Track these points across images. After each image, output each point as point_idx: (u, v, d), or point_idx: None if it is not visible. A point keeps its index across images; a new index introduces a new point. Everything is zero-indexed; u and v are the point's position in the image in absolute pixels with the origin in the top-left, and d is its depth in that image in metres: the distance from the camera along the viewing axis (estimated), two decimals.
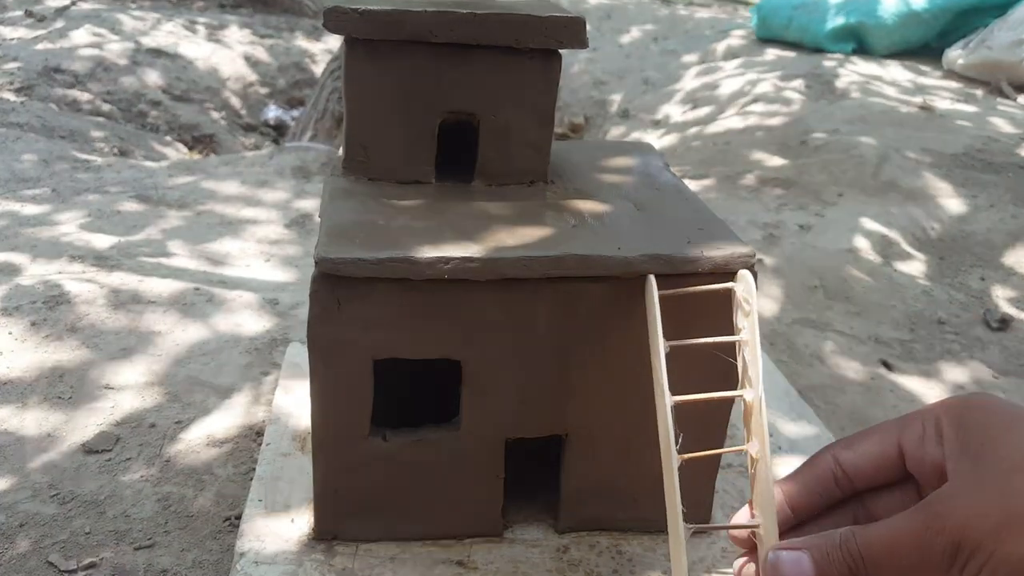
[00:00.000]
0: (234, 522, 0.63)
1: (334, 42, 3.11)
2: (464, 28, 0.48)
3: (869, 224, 1.37)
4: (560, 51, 0.51)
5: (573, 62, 2.96)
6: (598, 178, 0.55)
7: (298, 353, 0.76)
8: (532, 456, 0.54)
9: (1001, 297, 1.23)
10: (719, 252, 0.45)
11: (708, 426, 0.51)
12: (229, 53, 2.87)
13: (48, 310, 0.93)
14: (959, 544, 0.34)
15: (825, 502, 0.40)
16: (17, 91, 2.16)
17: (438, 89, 0.50)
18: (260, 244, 1.26)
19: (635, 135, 2.22)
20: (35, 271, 1.05)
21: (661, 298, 0.44)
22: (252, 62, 2.87)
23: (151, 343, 0.89)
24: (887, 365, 1.03)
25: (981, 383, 1.00)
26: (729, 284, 0.44)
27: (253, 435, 0.75)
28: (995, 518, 0.34)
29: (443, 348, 0.47)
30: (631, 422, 0.50)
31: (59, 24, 2.76)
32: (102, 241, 1.19)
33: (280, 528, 0.53)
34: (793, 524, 0.40)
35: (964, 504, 0.35)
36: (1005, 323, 1.14)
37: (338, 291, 0.44)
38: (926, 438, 0.38)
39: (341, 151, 0.56)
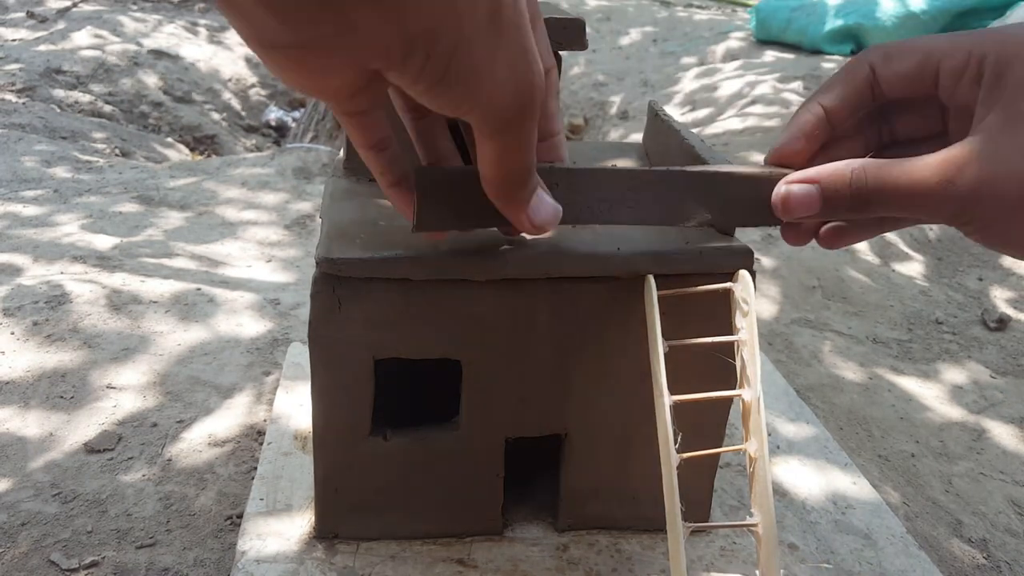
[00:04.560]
0: (235, 521, 0.64)
1: None
2: None
3: None
4: (560, 53, 0.51)
5: (573, 64, 2.97)
6: None
7: (299, 353, 0.76)
8: (532, 455, 0.54)
9: (999, 297, 1.23)
10: (718, 252, 0.46)
11: (707, 425, 0.51)
12: (230, 55, 2.88)
13: (50, 310, 0.93)
14: (963, 210, 0.35)
15: (860, 112, 0.41)
16: (19, 92, 2.17)
17: None
18: (261, 245, 1.27)
19: (634, 136, 2.23)
20: (37, 272, 1.06)
21: (660, 298, 0.44)
22: (253, 64, 2.87)
23: (153, 343, 0.90)
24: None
25: (979, 383, 1.01)
26: (728, 284, 0.45)
27: (254, 434, 0.75)
28: (1009, 199, 0.34)
29: (443, 348, 0.47)
30: (630, 421, 0.51)
31: (60, 25, 2.77)
32: (103, 242, 1.19)
33: (281, 527, 0.53)
34: (829, 139, 0.41)
35: (980, 173, 0.34)
36: (1003, 323, 1.15)
37: (339, 291, 0.44)
38: (966, 75, 0.37)
39: (342, 152, 0.56)
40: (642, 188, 0.43)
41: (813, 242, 0.46)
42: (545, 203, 0.36)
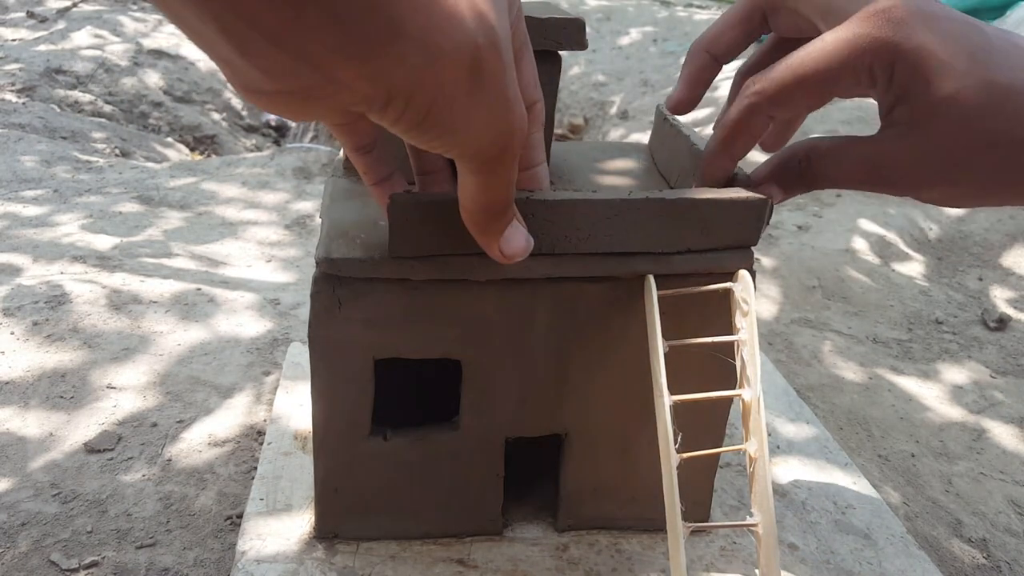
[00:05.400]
0: (235, 521, 0.64)
1: None
2: None
3: (867, 225, 1.37)
4: (560, 52, 0.51)
5: (572, 64, 2.97)
6: (597, 179, 0.56)
7: (299, 353, 0.76)
8: (532, 455, 0.54)
9: (999, 297, 1.23)
10: (718, 252, 0.46)
11: (707, 425, 0.51)
12: None
13: (50, 310, 0.93)
14: (886, 182, 0.40)
15: (705, 89, 0.48)
16: (19, 92, 2.17)
17: None
18: (261, 245, 1.27)
19: (635, 136, 2.23)
20: (37, 272, 1.06)
21: (660, 298, 0.44)
22: None
23: (153, 343, 0.90)
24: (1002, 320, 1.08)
25: (979, 383, 1.01)
26: (728, 284, 0.45)
27: (254, 434, 0.75)
28: (924, 178, 0.40)
29: (443, 348, 0.47)
30: (630, 421, 0.51)
31: (60, 25, 2.77)
32: (103, 242, 1.19)
33: (281, 527, 0.53)
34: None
35: (899, 161, 0.40)
36: (1003, 323, 1.14)
37: (339, 291, 0.44)
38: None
39: (342, 152, 0.56)
40: (619, 216, 0.43)
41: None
42: (518, 235, 0.38)
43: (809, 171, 0.42)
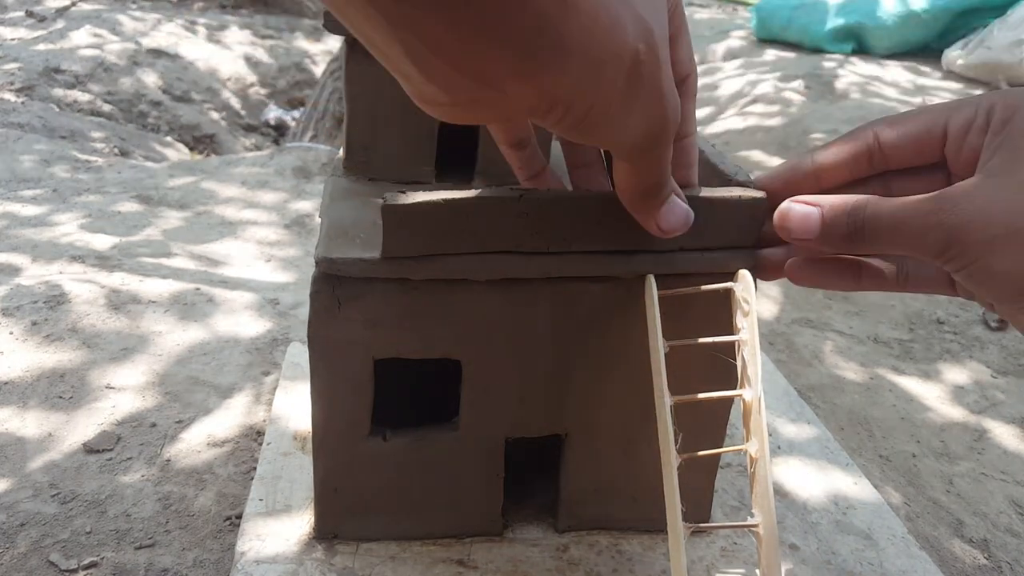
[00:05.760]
0: (235, 521, 0.64)
1: (334, 42, 3.11)
2: None
3: None
4: None
5: None
6: None
7: (298, 353, 0.76)
8: (532, 455, 0.54)
9: None
10: (719, 252, 0.45)
11: (707, 426, 0.51)
12: (229, 54, 2.87)
13: (49, 310, 0.93)
14: (949, 242, 0.35)
15: (853, 175, 0.42)
16: (17, 91, 2.16)
17: None
18: (260, 244, 1.27)
19: None
20: (35, 271, 1.05)
21: (660, 298, 0.44)
22: (252, 63, 2.87)
23: (152, 343, 0.89)
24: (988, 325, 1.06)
25: (980, 383, 1.00)
26: (729, 284, 0.45)
27: (254, 435, 0.75)
28: (997, 228, 0.34)
29: (443, 348, 0.47)
30: (631, 421, 0.50)
31: (59, 25, 2.76)
32: (102, 241, 1.19)
33: (281, 527, 0.53)
34: (816, 192, 0.42)
35: (974, 204, 0.34)
36: (1004, 323, 1.14)
37: (338, 291, 0.44)
38: (974, 126, 0.37)
39: (341, 151, 0.56)
40: (620, 214, 0.43)
41: None
42: (675, 210, 0.39)
43: (859, 233, 0.38)
